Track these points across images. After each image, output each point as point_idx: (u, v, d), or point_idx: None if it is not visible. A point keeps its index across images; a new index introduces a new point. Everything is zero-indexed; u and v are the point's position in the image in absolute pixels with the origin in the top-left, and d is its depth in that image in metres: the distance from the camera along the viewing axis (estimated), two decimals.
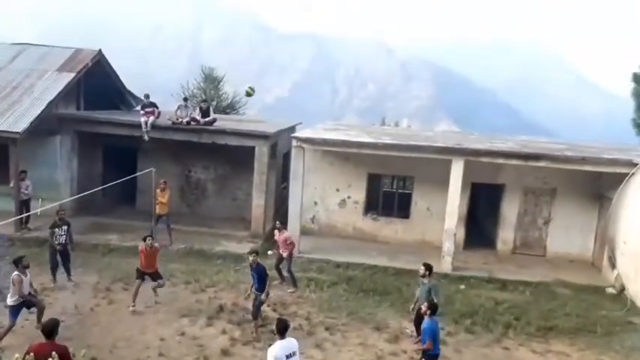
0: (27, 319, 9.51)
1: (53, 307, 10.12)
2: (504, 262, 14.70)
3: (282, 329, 6.26)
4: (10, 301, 8.71)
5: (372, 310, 11.02)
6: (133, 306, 10.16)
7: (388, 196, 16.30)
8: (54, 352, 5.74)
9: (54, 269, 11.30)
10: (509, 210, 15.56)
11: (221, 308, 10.53)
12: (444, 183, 13.69)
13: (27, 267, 8.90)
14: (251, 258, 9.77)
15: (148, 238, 10.43)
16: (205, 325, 9.79)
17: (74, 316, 9.87)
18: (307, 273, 12.89)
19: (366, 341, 9.65)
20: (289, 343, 6.23)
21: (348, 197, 16.12)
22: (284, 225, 12.54)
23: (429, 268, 9.44)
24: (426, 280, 9.38)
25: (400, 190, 16.40)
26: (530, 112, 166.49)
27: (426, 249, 14.74)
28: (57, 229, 11.16)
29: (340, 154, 15.31)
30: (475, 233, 15.99)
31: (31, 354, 5.74)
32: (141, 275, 10.41)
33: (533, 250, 15.47)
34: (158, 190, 13.99)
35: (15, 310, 8.71)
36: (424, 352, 7.77)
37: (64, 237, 11.26)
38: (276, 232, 12.17)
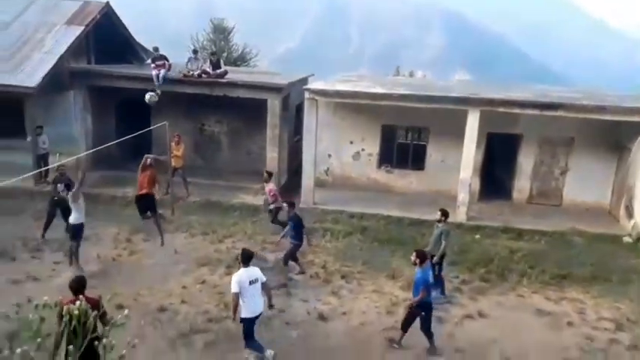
0: (54, 269, 9.85)
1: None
2: (520, 212, 14.71)
3: (246, 259, 7.19)
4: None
5: (387, 259, 11.20)
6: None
7: (403, 148, 16.20)
8: (81, 296, 5.81)
9: (47, 225, 11.29)
10: (526, 160, 15.42)
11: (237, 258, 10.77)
12: (459, 134, 13.54)
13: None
14: (286, 208, 10.23)
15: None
16: (224, 274, 10.04)
17: (97, 265, 10.18)
18: (323, 224, 13.04)
19: (381, 289, 9.87)
20: (252, 271, 7.17)
21: (362, 150, 16.05)
22: (270, 176, 12.55)
23: (445, 213, 9.62)
24: (440, 225, 9.54)
25: (415, 142, 16.27)
26: (548, 60, 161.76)
27: (441, 200, 14.70)
28: (59, 184, 11.26)
29: (354, 106, 15.13)
30: (490, 184, 15.94)
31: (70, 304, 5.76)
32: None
33: (550, 199, 15.42)
34: (172, 144, 14.04)
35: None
36: (418, 304, 7.64)
37: (65, 192, 11.13)
38: (264, 184, 12.38)
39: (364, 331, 8.46)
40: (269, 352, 7.26)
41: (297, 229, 10.13)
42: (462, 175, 13.61)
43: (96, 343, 1.39)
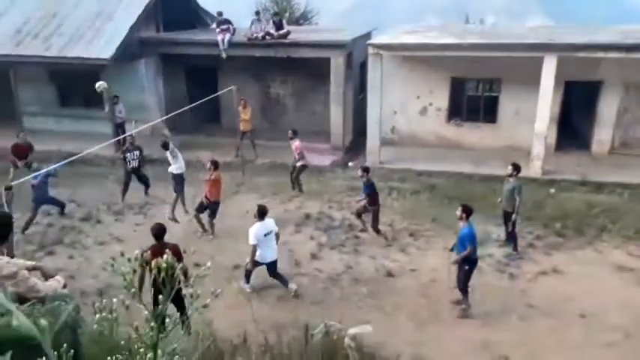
0: (135, 230, 10.56)
1: (156, 218, 11.09)
2: (600, 163, 13.83)
3: (262, 213, 7.98)
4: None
5: None
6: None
7: (473, 101, 15.56)
8: (167, 250, 6.31)
9: (124, 191, 11.98)
10: (608, 108, 14.35)
11: (307, 216, 11.00)
12: (534, 83, 12.78)
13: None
14: (360, 174, 9.97)
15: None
16: (294, 232, 10.32)
17: (175, 226, 10.77)
18: (389, 182, 12.96)
19: (451, 246, 9.73)
20: (268, 223, 8.04)
21: (430, 104, 15.59)
22: (295, 134, 12.36)
23: (516, 167, 9.33)
24: (512, 179, 9.27)
25: (486, 94, 15.55)
26: None
27: (514, 154, 14.05)
28: (128, 154, 11.81)
29: (420, 58, 14.62)
30: (567, 135, 15.04)
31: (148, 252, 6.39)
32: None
33: (633, 149, 14.33)
34: (240, 108, 14.33)
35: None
36: (463, 259, 7.52)
37: (136, 161, 11.87)
38: (289, 141, 12.31)
39: (435, 287, 8.46)
40: (292, 285, 8.17)
41: (372, 194, 9.92)
42: (537, 126, 12.92)
43: (183, 293, 1.55)
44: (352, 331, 6.16)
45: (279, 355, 4.67)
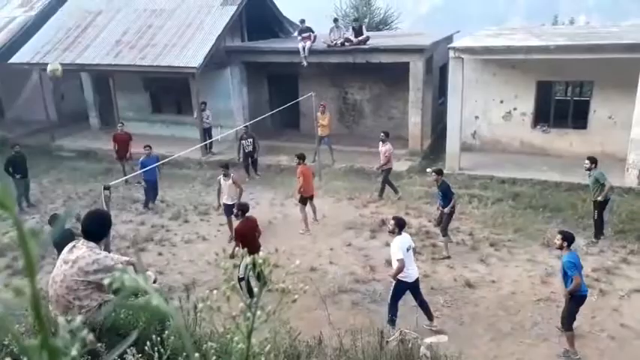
0: (219, 229, 11.06)
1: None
2: None
3: (400, 226, 7.23)
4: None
5: (542, 227, 10.50)
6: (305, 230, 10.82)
7: (561, 105, 14.77)
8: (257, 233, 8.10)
9: (246, 168, 14.27)
10: None
11: (383, 222, 10.96)
12: (630, 86, 11.91)
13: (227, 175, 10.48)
14: (433, 177, 9.73)
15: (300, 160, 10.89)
16: (369, 238, 10.34)
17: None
18: (469, 189, 12.62)
19: (535, 257, 9.33)
20: (405, 238, 7.26)
21: (514, 109, 14.98)
22: (387, 136, 12.28)
23: (593, 160, 9.42)
24: (592, 172, 9.41)
25: (576, 98, 14.71)
26: None
27: (607, 162, 13.17)
28: (243, 141, 14.00)
29: (504, 62, 14.11)
30: None
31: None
32: (304, 201, 10.94)
33: None
34: (319, 113, 14.58)
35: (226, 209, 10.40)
36: (571, 295, 6.53)
37: (250, 147, 13.98)
38: (380, 143, 12.21)
39: (515, 300, 8.12)
40: (435, 323, 7.41)
41: (445, 196, 9.67)
42: (634, 133, 12.01)
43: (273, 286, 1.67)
44: (428, 340, 6.08)
45: (354, 359, 4.72)
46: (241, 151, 14.25)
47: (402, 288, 7.25)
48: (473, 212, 11.37)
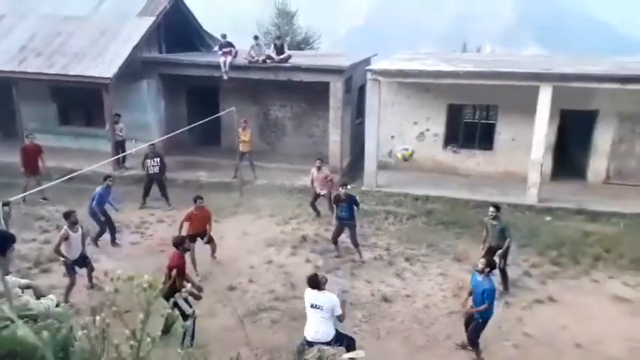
0: (128, 250, 10.53)
1: (153, 237, 11.11)
2: (595, 192, 13.93)
3: (312, 284, 6.56)
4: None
5: (453, 242, 11.05)
6: (197, 274, 9.18)
7: (470, 127, 15.74)
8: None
9: (144, 196, 12.89)
10: (603, 138, 14.54)
11: (304, 239, 11.03)
12: (530, 111, 12.98)
13: (75, 223, 8.47)
14: (341, 190, 10.11)
15: (199, 200, 9.67)
16: (290, 255, 10.34)
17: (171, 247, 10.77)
18: (385, 206, 13.03)
19: (447, 272, 9.78)
20: (320, 296, 6.48)
21: (427, 130, 15.77)
22: (323, 162, 12.46)
23: (498, 208, 9.10)
24: (495, 222, 9.01)
25: (483, 121, 15.74)
26: (629, 28, 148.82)
27: (510, 181, 14.28)
28: (148, 160, 12.69)
29: (418, 85, 14.86)
30: (564, 164, 15.19)
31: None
32: (194, 239, 9.48)
33: (629, 180, 14.47)
34: (240, 129, 14.46)
35: (69, 267, 8.48)
36: (477, 313, 7.03)
37: (156, 167, 12.67)
38: (314, 170, 12.23)
39: (429, 313, 8.45)
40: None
41: (351, 209, 10.04)
42: (534, 154, 13.06)
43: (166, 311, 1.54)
44: (346, 356, 6.12)
45: None
46: (146, 172, 12.81)
47: (298, 343, 6.67)
48: (389, 228, 11.74)
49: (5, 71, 15.31)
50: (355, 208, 10.11)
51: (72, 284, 8.44)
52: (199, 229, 9.69)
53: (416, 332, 7.95)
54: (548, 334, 7.86)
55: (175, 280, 6.65)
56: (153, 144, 13.07)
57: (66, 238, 8.30)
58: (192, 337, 7.09)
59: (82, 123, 17.52)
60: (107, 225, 10.67)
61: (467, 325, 7.35)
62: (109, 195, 10.78)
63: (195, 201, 9.67)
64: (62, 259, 8.41)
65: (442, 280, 9.47)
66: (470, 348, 7.36)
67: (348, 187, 10.89)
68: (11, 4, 17.79)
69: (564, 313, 8.46)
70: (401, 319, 8.27)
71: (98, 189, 10.44)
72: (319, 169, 12.25)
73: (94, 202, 10.49)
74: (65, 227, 8.39)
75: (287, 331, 7.80)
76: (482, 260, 7.18)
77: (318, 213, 12.40)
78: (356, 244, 10.21)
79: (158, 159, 12.79)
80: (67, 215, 8.46)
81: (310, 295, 6.60)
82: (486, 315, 7.05)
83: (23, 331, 0.61)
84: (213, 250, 10.06)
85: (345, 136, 16.10)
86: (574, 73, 12.74)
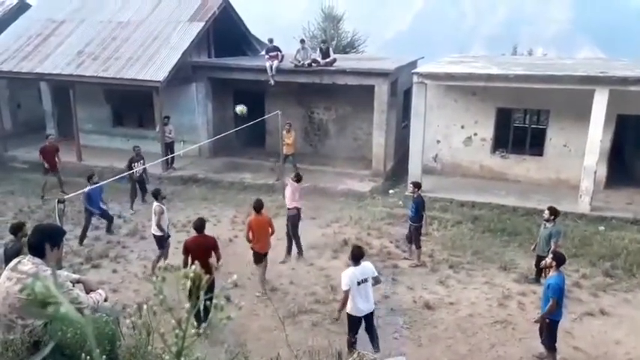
0: (177, 247, 10.79)
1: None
2: None
3: (357, 257, 6.80)
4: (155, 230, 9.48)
5: (499, 250, 10.73)
6: (262, 293, 8.91)
7: (519, 132, 15.28)
8: (197, 261, 6.70)
9: (132, 199, 13.07)
10: None
11: (345, 242, 10.97)
12: (584, 116, 12.45)
13: (164, 197, 9.71)
14: (411, 189, 10.34)
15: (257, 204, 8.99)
16: (331, 258, 10.31)
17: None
18: (430, 212, 12.73)
19: (492, 280, 9.50)
20: (364, 269, 6.81)
21: (475, 134, 15.39)
22: (298, 178, 10.79)
23: (554, 212, 8.92)
24: (549, 225, 8.89)
25: (533, 126, 15.26)
26: None
27: (561, 188, 13.75)
28: (134, 164, 12.74)
29: (466, 88, 14.54)
30: (619, 171, 14.50)
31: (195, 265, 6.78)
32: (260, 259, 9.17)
33: None
34: (284, 132, 14.58)
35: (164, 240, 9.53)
36: (545, 315, 6.81)
37: (141, 169, 12.89)
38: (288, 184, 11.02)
39: (473, 322, 8.22)
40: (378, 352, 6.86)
41: (418, 211, 9.98)
42: (587, 161, 12.51)
43: (207, 303, 1.55)
44: None
45: None
46: (133, 175, 12.68)
47: (352, 321, 7.01)
48: (433, 234, 11.52)
49: (64, 75, 16.09)
50: (419, 209, 10.00)
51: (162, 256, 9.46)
52: (261, 238, 8.97)
53: (459, 341, 7.75)
54: (599, 349, 7.49)
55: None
56: (138, 145, 13.42)
57: (162, 213, 9.35)
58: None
59: (133, 125, 18.18)
60: (104, 217, 11.46)
61: (541, 332, 7.12)
62: (101, 192, 11.23)
63: (256, 209, 8.91)
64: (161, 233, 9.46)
65: (487, 289, 9.19)
66: (546, 357, 7.11)
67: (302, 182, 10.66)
68: (71, 11, 18.68)
69: (618, 327, 8.04)
70: (444, 327, 8.08)
71: (87, 189, 10.52)
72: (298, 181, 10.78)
73: (87, 201, 10.94)
74: (159, 204, 9.35)
75: (327, 334, 7.77)
76: (550, 255, 7.12)
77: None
78: (410, 242, 10.28)
79: (143, 161, 12.91)
80: (157, 193, 9.57)
81: (356, 273, 6.73)
82: (555, 317, 6.80)
83: (66, 308, 0.63)
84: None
85: (390, 140, 15.96)
86: (632, 76, 12.12)
